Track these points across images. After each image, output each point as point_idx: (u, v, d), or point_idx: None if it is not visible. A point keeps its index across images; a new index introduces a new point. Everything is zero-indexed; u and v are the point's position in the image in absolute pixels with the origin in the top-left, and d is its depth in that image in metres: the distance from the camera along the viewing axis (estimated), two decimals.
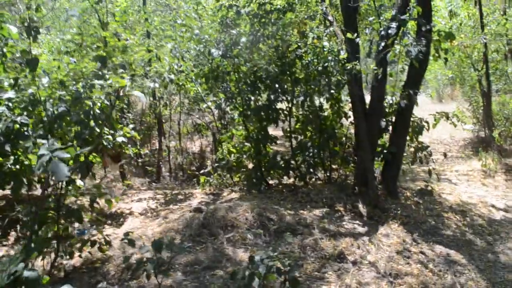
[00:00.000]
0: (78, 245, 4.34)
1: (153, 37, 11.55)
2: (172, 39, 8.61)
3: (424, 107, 14.20)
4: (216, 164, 7.90)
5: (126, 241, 4.06)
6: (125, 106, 10.50)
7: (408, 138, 6.66)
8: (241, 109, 7.21)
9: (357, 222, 5.49)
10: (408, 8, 5.98)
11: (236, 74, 7.09)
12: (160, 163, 10.01)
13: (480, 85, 10.54)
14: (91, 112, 4.42)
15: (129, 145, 6.95)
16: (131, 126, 6.86)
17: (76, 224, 4.99)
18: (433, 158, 8.75)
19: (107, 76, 4.83)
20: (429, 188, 6.74)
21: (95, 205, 4.70)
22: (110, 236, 5.23)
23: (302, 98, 7.00)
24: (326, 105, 7.20)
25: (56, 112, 4.22)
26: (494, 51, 10.64)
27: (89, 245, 4.35)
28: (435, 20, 11.65)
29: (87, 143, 4.43)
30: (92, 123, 4.53)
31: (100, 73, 4.95)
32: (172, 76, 8.01)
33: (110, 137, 5.31)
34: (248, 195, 6.70)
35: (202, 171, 8.18)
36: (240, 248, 4.54)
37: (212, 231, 4.86)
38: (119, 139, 5.56)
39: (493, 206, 6.70)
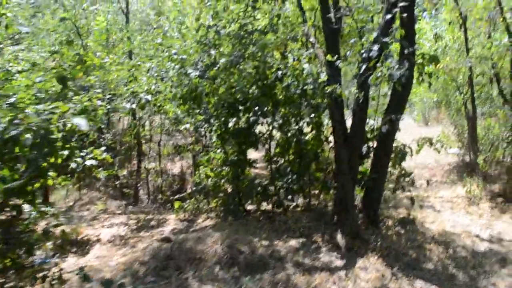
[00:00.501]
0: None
1: (135, 56, 11.35)
2: (149, 58, 8.38)
3: (410, 130, 14.08)
4: (194, 188, 7.60)
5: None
6: (103, 126, 10.22)
7: (390, 164, 6.43)
8: (219, 132, 6.97)
9: (335, 254, 5.20)
10: (391, 30, 5.84)
11: (214, 95, 6.87)
12: (138, 185, 9.69)
13: (465, 109, 10.43)
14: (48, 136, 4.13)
15: (101, 168, 6.64)
16: (102, 148, 6.54)
17: (38, 252, 4.68)
18: (416, 184, 8.55)
19: (75, 98, 4.58)
20: (411, 217, 6.48)
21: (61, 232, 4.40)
22: (72, 266, 4.93)
23: (282, 121, 6.79)
24: (307, 129, 6.98)
25: (7, 135, 3.91)
26: (479, 74, 10.55)
27: (41, 280, 4.00)
28: (420, 43, 11.62)
29: (42, 169, 4.12)
30: (59, 144, 4.26)
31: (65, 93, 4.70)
32: (149, 97, 7.75)
33: (79, 159, 5.06)
34: (223, 222, 6.40)
35: (178, 196, 7.85)
36: (207, 284, 4.23)
37: (178, 264, 4.55)
38: (88, 163, 5.30)
39: (477, 236, 6.46)
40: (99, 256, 5.42)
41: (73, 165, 5.06)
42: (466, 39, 10.03)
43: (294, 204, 6.80)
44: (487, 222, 7.09)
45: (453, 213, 7.50)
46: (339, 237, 5.49)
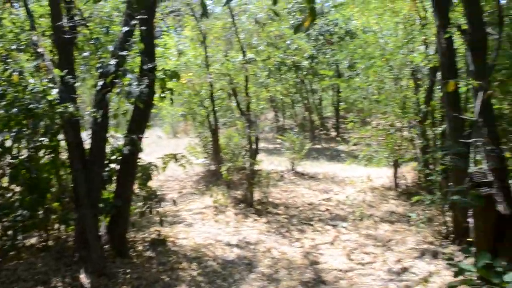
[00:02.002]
0: None
1: None
2: None
3: (160, 142, 14.19)
4: None
5: None
6: None
7: (136, 185, 6.08)
8: None
9: None
10: (129, 44, 5.51)
11: None
12: None
13: (208, 121, 11.00)
14: None
15: None
16: None
17: None
18: (167, 198, 8.49)
19: None
20: (162, 237, 6.28)
21: None
22: None
23: (5, 146, 5.64)
24: (41, 154, 5.99)
25: None
26: (219, 89, 11.26)
27: None
28: (165, 58, 11.74)
29: None
30: None
31: None
32: None
33: None
34: None
35: None
36: None
37: None
38: None
39: (227, 244, 6.67)
40: None
41: None
42: (206, 56, 10.58)
43: (29, 244, 5.72)
44: (234, 229, 7.46)
45: (203, 225, 7.63)
46: (83, 277, 4.80)
